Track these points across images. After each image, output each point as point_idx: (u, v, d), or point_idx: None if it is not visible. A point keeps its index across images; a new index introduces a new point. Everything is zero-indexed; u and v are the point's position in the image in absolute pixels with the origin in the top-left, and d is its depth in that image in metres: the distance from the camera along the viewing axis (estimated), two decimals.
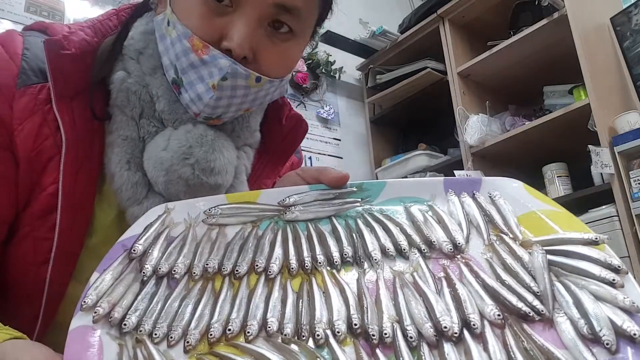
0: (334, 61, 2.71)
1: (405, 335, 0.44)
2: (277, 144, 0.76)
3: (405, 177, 2.47)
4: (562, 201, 1.99)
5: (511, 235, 0.53)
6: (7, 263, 0.61)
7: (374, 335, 0.44)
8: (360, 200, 0.59)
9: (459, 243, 0.53)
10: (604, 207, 1.80)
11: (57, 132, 0.60)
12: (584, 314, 0.44)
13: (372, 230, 0.55)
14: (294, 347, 0.44)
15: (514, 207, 0.56)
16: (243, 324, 0.46)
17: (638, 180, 1.75)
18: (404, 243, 0.53)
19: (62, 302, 0.61)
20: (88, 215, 0.62)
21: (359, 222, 0.57)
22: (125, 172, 0.62)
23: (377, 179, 2.61)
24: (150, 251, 0.52)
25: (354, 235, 0.55)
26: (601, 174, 1.89)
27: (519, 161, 2.32)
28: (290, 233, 0.56)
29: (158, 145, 0.62)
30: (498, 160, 2.31)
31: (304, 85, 2.61)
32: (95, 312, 0.45)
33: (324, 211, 0.58)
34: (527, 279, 0.48)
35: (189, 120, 0.64)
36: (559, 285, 0.47)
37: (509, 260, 0.50)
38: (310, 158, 2.59)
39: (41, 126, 0.60)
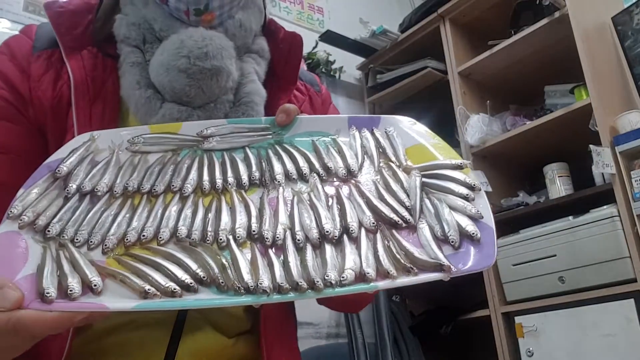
0: (334, 60, 2.70)
1: (294, 239, 0.52)
2: (281, 67, 0.80)
3: None
4: (564, 201, 1.98)
5: (397, 163, 0.62)
6: None
7: (267, 239, 0.52)
8: (272, 132, 0.65)
9: (353, 169, 0.61)
10: (605, 207, 1.79)
11: (70, 80, 0.68)
12: (440, 221, 0.54)
13: (280, 158, 0.62)
14: (199, 249, 0.51)
15: (405, 140, 0.65)
16: (156, 231, 0.53)
17: (639, 180, 1.74)
18: (305, 168, 0.61)
19: None
20: None
21: (269, 151, 0.63)
22: (137, 91, 0.68)
23: None
24: (74, 172, 0.57)
25: (262, 162, 0.62)
26: (602, 173, 1.88)
27: (520, 161, 2.30)
28: (206, 160, 0.62)
29: (156, 55, 0.68)
30: (499, 159, 2.30)
31: None
32: (21, 220, 0.50)
33: (239, 142, 0.64)
34: (403, 196, 0.57)
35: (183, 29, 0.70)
36: (427, 200, 0.57)
37: (391, 182, 0.60)
38: None
39: (56, 80, 0.68)
